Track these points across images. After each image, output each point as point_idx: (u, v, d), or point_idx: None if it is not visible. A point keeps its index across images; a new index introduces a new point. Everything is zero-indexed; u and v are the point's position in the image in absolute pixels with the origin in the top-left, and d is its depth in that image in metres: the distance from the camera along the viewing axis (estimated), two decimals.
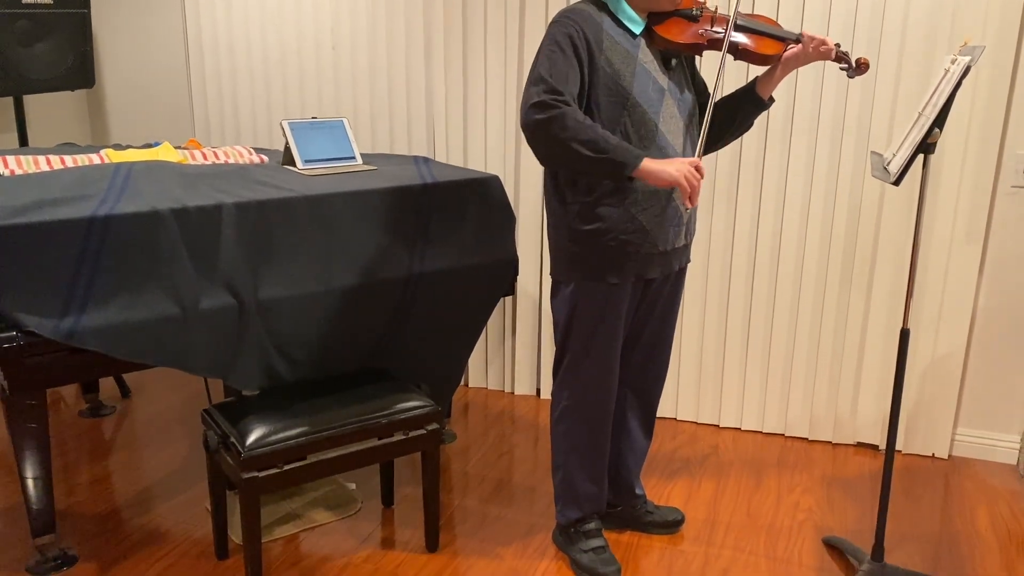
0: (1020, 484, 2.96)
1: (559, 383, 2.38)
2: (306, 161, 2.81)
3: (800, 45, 2.17)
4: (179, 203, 2.29)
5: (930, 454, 3.16)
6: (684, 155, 2.21)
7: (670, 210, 2.21)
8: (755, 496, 2.85)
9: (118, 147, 3.03)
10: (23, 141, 3.74)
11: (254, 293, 2.38)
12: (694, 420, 3.42)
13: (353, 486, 2.87)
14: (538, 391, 3.66)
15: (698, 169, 2.05)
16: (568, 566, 2.46)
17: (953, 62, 2.07)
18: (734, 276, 3.22)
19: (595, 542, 2.44)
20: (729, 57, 2.17)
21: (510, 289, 2.96)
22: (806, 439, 3.28)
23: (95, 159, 2.69)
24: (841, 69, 2.22)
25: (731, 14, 2.14)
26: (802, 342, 3.18)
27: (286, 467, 2.24)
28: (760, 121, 3.03)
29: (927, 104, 2.12)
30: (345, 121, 2.96)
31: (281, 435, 2.24)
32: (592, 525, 2.47)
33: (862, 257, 3.05)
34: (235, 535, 2.53)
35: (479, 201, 2.81)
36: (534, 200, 3.44)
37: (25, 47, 3.42)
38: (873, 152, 2.38)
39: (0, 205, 2.14)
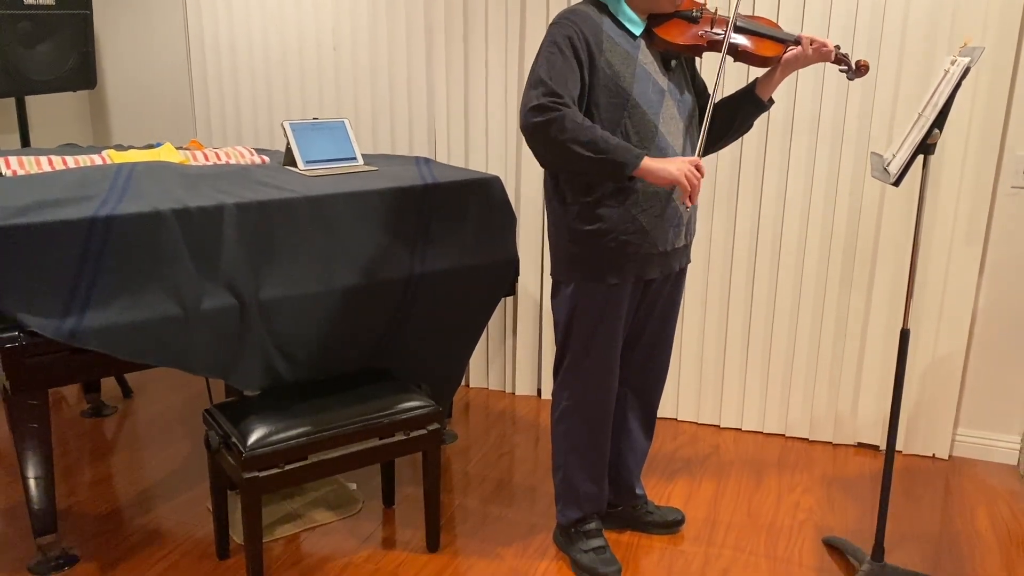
0: (1020, 484, 2.96)
1: (559, 383, 2.38)
2: (307, 162, 2.81)
3: (800, 47, 2.17)
4: (181, 204, 2.30)
5: (930, 454, 3.16)
6: (684, 156, 2.21)
7: (670, 211, 2.21)
8: (755, 496, 2.86)
9: (120, 148, 3.04)
10: (25, 142, 3.75)
11: (255, 293, 2.39)
12: (695, 420, 3.43)
13: (354, 486, 2.87)
14: (539, 391, 3.67)
15: (698, 168, 2.06)
16: (568, 566, 2.46)
17: (953, 63, 2.08)
18: (735, 277, 3.22)
19: (595, 542, 2.44)
20: (729, 58, 2.17)
21: (511, 289, 2.96)
22: (806, 439, 3.28)
23: (97, 160, 2.69)
24: (841, 71, 2.23)
25: (731, 16, 2.14)
26: (802, 343, 3.18)
27: (287, 467, 2.25)
28: (760, 122, 3.03)
29: (927, 105, 2.12)
30: (346, 122, 2.97)
31: (282, 435, 2.24)
32: (592, 525, 2.47)
33: (862, 257, 3.06)
34: (236, 535, 2.53)
35: (480, 201, 2.82)
36: (535, 200, 3.44)
37: (27, 48, 3.43)
38: (873, 153, 2.38)
39: (2, 205, 2.14)
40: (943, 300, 3.01)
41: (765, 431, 3.33)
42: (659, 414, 3.37)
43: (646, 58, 2.14)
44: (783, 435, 3.31)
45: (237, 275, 2.36)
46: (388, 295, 2.63)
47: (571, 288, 2.26)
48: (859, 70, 2.20)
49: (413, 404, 2.44)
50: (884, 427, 3.17)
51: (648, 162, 2.04)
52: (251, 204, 2.39)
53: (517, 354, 3.63)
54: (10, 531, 2.60)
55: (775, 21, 2.51)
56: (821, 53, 2.16)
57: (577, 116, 2.03)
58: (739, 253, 3.19)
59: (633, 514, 2.62)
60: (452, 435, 3.27)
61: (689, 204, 2.06)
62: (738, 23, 2.19)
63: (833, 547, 2.56)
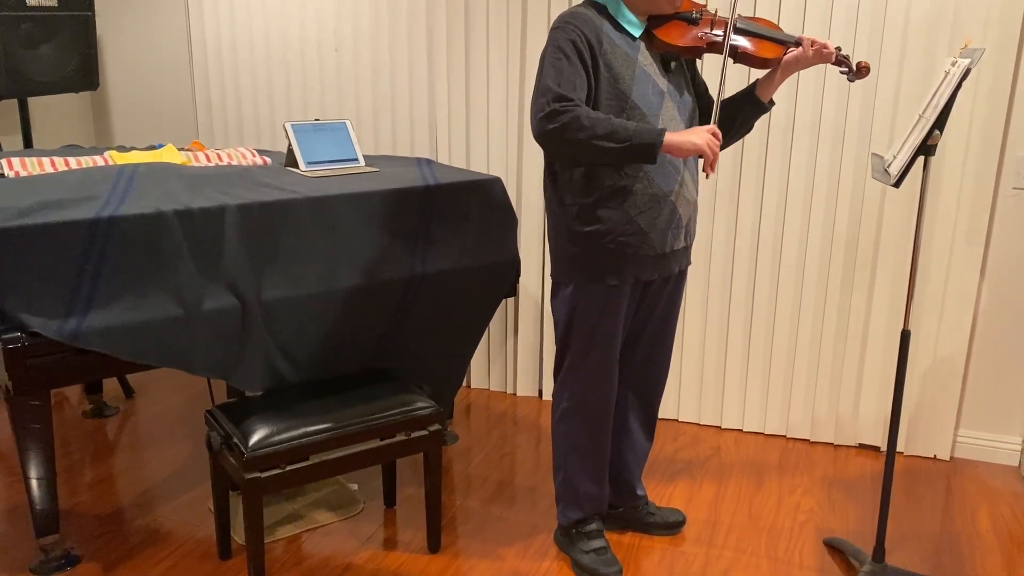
0: (1021, 486, 2.96)
1: (560, 384, 2.38)
2: (309, 163, 2.82)
3: (800, 48, 2.18)
4: (183, 205, 2.30)
5: (931, 455, 3.16)
6: (683, 159, 2.22)
7: (668, 213, 2.21)
8: (756, 497, 2.86)
9: (122, 149, 3.05)
10: (27, 143, 3.75)
11: (257, 294, 2.39)
12: (696, 421, 3.43)
13: (355, 487, 2.88)
14: (540, 392, 3.67)
15: (716, 136, 2.07)
16: (570, 567, 2.46)
17: (953, 64, 2.08)
18: (736, 278, 3.22)
19: (596, 543, 2.45)
20: (729, 60, 2.17)
21: (512, 290, 2.96)
22: (807, 440, 3.28)
23: (99, 161, 2.70)
24: (841, 73, 2.23)
25: (731, 17, 2.15)
26: (803, 344, 3.18)
27: (289, 468, 2.25)
28: (761, 123, 3.03)
29: (927, 106, 2.13)
30: (348, 123, 2.97)
31: (284, 436, 2.25)
32: (593, 526, 2.47)
33: (863, 259, 3.06)
34: (238, 535, 2.54)
35: (481, 203, 2.82)
36: (536, 201, 3.44)
37: (29, 49, 3.43)
38: (874, 154, 2.38)
39: (5, 206, 2.15)
40: (944, 301, 3.01)
41: (766, 432, 3.33)
42: (660, 415, 3.37)
43: (646, 60, 2.14)
44: (784, 436, 3.31)
45: (239, 276, 2.36)
46: (389, 296, 2.63)
47: (570, 289, 2.27)
48: (860, 72, 2.20)
49: (414, 405, 2.45)
50: (885, 428, 3.17)
51: (671, 136, 2.05)
52: (253, 205, 2.40)
53: (518, 355, 3.63)
54: (12, 532, 2.61)
55: (775, 22, 2.51)
56: (822, 55, 2.16)
57: (589, 112, 2.03)
58: (740, 254, 3.20)
59: (634, 515, 2.63)
60: (453, 436, 3.27)
61: (711, 172, 2.07)
62: (738, 24, 2.19)
63: (834, 548, 2.56)
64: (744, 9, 2.99)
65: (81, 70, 3.66)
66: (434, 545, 2.53)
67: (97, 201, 2.26)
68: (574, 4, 3.06)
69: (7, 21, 3.32)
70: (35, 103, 3.97)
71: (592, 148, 2.04)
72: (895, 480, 2.99)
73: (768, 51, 2.19)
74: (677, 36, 2.15)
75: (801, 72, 2.94)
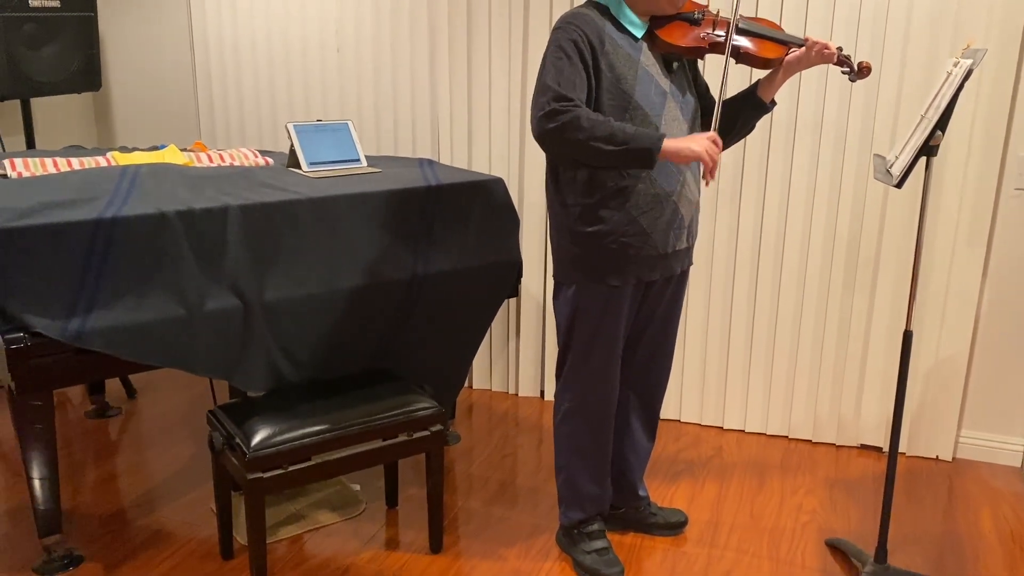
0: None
1: (562, 385, 2.38)
2: (311, 163, 2.82)
3: (802, 49, 2.18)
4: (185, 205, 2.31)
5: (934, 456, 3.16)
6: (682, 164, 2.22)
7: (671, 213, 2.21)
8: (758, 498, 2.86)
9: (124, 149, 3.05)
10: (30, 144, 3.76)
11: (259, 295, 2.39)
12: (698, 422, 3.43)
13: (357, 487, 2.88)
14: (542, 393, 3.67)
15: (716, 143, 2.06)
16: (571, 567, 2.46)
17: (956, 65, 2.08)
18: (737, 278, 3.22)
19: (598, 543, 2.45)
20: (731, 60, 2.17)
21: (514, 291, 2.97)
22: (809, 441, 3.28)
23: (102, 161, 2.70)
24: (843, 73, 2.23)
25: (733, 18, 2.15)
26: (805, 344, 3.18)
27: (291, 468, 2.25)
28: (763, 124, 3.03)
29: (929, 107, 2.13)
30: (350, 123, 2.97)
31: (286, 436, 2.25)
32: (595, 526, 2.47)
33: (865, 259, 3.06)
34: (240, 536, 2.54)
35: (483, 203, 2.82)
36: (538, 202, 3.44)
37: (32, 50, 3.44)
38: (876, 155, 2.38)
39: (8, 207, 2.15)
40: (946, 302, 3.01)
41: (768, 433, 3.33)
42: (662, 415, 3.38)
43: (648, 60, 2.15)
44: (786, 437, 3.31)
45: (241, 276, 2.36)
46: (391, 296, 2.64)
47: (572, 289, 2.27)
48: (861, 72, 2.20)
49: (416, 405, 2.45)
50: (887, 429, 3.17)
51: (670, 142, 2.05)
52: (255, 206, 2.40)
53: (520, 355, 3.63)
54: (15, 532, 2.61)
55: (777, 23, 2.51)
56: (823, 55, 2.16)
57: (589, 113, 2.03)
58: (742, 254, 3.19)
59: (636, 515, 2.63)
60: (455, 436, 3.28)
61: (710, 179, 2.07)
62: (740, 25, 2.19)
63: (836, 549, 2.56)
64: (746, 10, 2.99)
65: (84, 71, 3.66)
66: (436, 546, 2.53)
67: (100, 202, 2.27)
68: (576, 4, 3.07)
69: (10, 22, 3.33)
70: (38, 104, 3.97)
71: (590, 149, 2.04)
72: (897, 481, 2.99)
73: (770, 51, 2.19)
74: (679, 36, 2.15)
75: (803, 72, 2.95)
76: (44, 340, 2.15)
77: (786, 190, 3.09)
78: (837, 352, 3.16)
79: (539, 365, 3.64)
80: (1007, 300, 2.98)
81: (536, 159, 3.40)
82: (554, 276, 2.33)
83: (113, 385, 3.66)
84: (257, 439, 2.22)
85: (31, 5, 3.40)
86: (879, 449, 3.21)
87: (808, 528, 2.68)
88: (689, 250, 2.36)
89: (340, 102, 3.70)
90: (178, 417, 3.44)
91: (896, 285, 3.04)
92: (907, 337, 2.23)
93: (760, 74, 2.32)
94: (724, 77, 2.10)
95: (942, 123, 2.06)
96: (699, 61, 2.40)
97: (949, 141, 2.88)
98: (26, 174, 2.53)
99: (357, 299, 2.56)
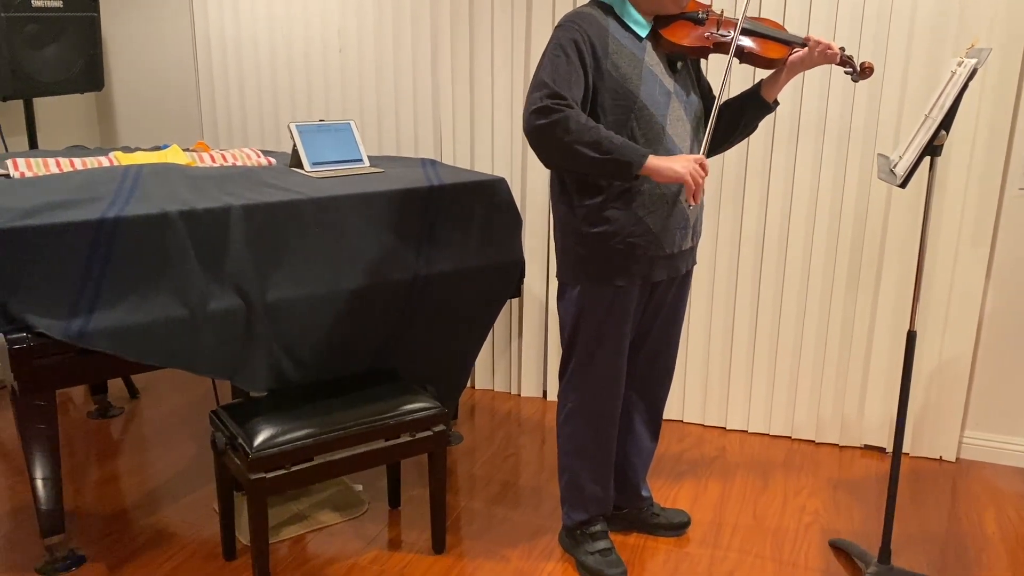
0: None
1: (565, 385, 2.38)
2: (313, 163, 2.82)
3: (805, 49, 2.17)
4: (187, 205, 2.31)
5: (937, 457, 3.15)
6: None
7: (676, 212, 2.21)
8: (761, 498, 2.85)
9: (127, 149, 3.05)
10: (32, 144, 3.76)
11: (262, 295, 2.39)
12: (700, 422, 3.42)
13: (360, 487, 2.88)
14: (544, 393, 3.66)
15: (702, 166, 2.06)
16: (574, 568, 2.46)
17: (960, 64, 2.07)
18: (741, 278, 3.22)
19: (601, 544, 2.44)
20: (734, 60, 2.17)
21: (517, 291, 2.96)
22: (813, 441, 3.27)
23: (104, 161, 2.70)
24: (846, 73, 2.22)
25: (737, 17, 2.14)
26: (809, 344, 3.18)
27: (293, 468, 2.25)
28: (766, 123, 3.03)
29: (933, 106, 2.12)
30: (352, 123, 2.97)
31: (288, 436, 2.25)
32: (598, 527, 2.47)
33: (869, 259, 3.05)
34: (242, 536, 2.54)
35: (485, 203, 2.82)
36: (541, 202, 3.44)
37: (35, 50, 3.44)
38: (880, 154, 2.38)
39: (10, 207, 2.15)
40: (950, 302, 3.00)
41: (771, 433, 3.32)
42: (665, 416, 3.37)
43: (652, 60, 2.14)
44: (789, 437, 3.30)
45: (243, 277, 2.36)
46: (394, 297, 2.63)
47: (577, 290, 2.26)
48: (864, 72, 2.20)
49: (419, 406, 2.45)
50: (891, 429, 3.16)
51: (653, 160, 2.04)
52: (257, 206, 2.40)
53: (523, 356, 3.63)
54: (18, 532, 2.61)
55: (780, 23, 2.50)
56: (826, 55, 2.16)
57: (581, 117, 2.03)
58: (745, 255, 3.19)
59: (639, 516, 2.62)
60: (458, 436, 3.27)
61: (693, 202, 2.07)
62: (744, 25, 2.18)
63: (839, 549, 2.55)
64: (749, 10, 2.98)
65: (86, 71, 3.66)
66: (439, 546, 2.53)
67: (102, 202, 2.27)
68: (579, 3, 3.06)
69: (13, 22, 3.33)
70: (40, 104, 3.97)
71: (574, 153, 2.04)
72: (901, 481, 2.98)
73: (773, 51, 2.19)
74: (683, 36, 2.14)
75: (806, 72, 2.94)
76: (47, 340, 2.15)
77: (789, 190, 3.09)
78: (840, 352, 3.15)
79: (541, 365, 3.64)
80: (1011, 300, 2.98)
81: (538, 159, 3.39)
82: (558, 277, 2.33)
83: (115, 385, 3.66)
84: (260, 439, 2.22)
85: (34, 5, 3.40)
86: (882, 450, 3.20)
87: (811, 529, 2.67)
88: (693, 250, 2.36)
89: (342, 102, 3.70)
90: (180, 417, 3.44)
91: (900, 285, 3.03)
92: (911, 337, 2.23)
93: (763, 74, 2.31)
94: (726, 77, 2.10)
95: (946, 123, 2.05)
96: (703, 61, 2.40)
97: (952, 141, 2.87)
98: (29, 174, 2.53)
99: (359, 299, 2.56)
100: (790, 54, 2.19)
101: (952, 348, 3.04)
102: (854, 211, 3.02)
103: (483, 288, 2.83)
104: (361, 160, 2.92)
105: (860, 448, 3.22)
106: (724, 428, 3.39)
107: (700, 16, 2.18)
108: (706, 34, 2.16)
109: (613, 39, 2.10)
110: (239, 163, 2.88)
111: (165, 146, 3.03)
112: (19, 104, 3.79)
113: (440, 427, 2.47)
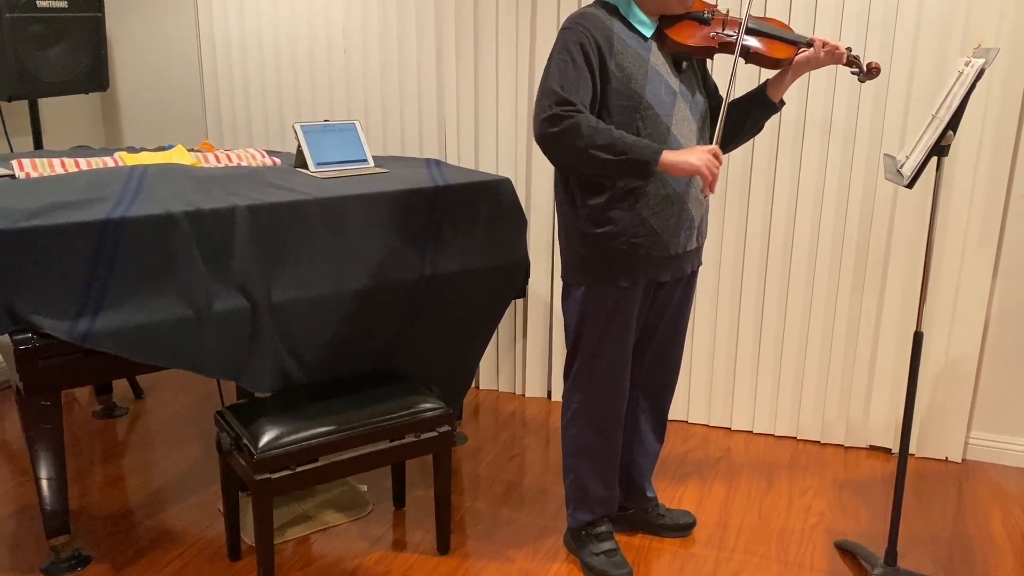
0: None
1: (570, 386, 2.38)
2: (318, 164, 2.82)
3: (811, 49, 2.17)
4: (192, 206, 2.31)
5: (943, 458, 3.14)
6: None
7: (681, 213, 2.20)
8: (767, 499, 2.84)
9: (132, 150, 3.05)
10: (38, 144, 3.76)
11: (267, 295, 2.39)
12: (706, 423, 3.42)
13: (365, 488, 2.88)
14: (549, 393, 3.66)
15: (716, 157, 2.05)
16: (579, 569, 2.46)
17: (967, 64, 2.07)
18: (746, 279, 3.21)
19: (606, 545, 2.44)
20: (740, 60, 2.16)
21: (521, 291, 2.96)
22: (818, 442, 3.26)
23: (109, 162, 2.70)
24: (852, 73, 2.22)
25: (743, 17, 2.14)
26: (814, 345, 3.17)
27: (298, 469, 2.25)
28: (772, 123, 3.02)
29: (940, 107, 2.11)
30: (357, 124, 2.97)
31: (293, 437, 2.25)
32: (603, 528, 2.47)
33: (875, 259, 3.04)
34: (247, 536, 2.54)
35: (490, 203, 2.82)
36: (545, 202, 3.44)
37: (40, 50, 3.44)
38: (886, 155, 2.37)
39: (15, 208, 2.15)
40: (956, 302, 2.99)
41: (776, 434, 3.31)
42: (670, 416, 3.35)
43: (657, 60, 2.14)
44: (794, 438, 3.30)
45: (248, 277, 2.36)
46: (398, 297, 2.63)
47: (582, 291, 2.26)
48: (870, 72, 2.19)
49: (424, 406, 2.45)
50: (897, 430, 3.15)
51: (668, 155, 2.04)
52: (262, 206, 2.40)
53: (527, 356, 3.63)
54: (23, 532, 2.61)
55: (786, 23, 2.50)
56: (833, 55, 2.15)
57: (591, 120, 2.03)
58: (750, 255, 3.18)
59: (644, 517, 2.62)
60: (462, 437, 3.27)
61: (709, 193, 2.06)
62: (750, 24, 2.18)
63: (845, 551, 2.54)
64: (755, 9, 2.97)
65: (91, 71, 3.67)
66: (443, 547, 2.53)
67: (107, 202, 2.27)
68: (584, 4, 3.06)
69: (17, 22, 3.33)
70: (45, 104, 3.98)
71: (589, 157, 2.04)
72: (907, 482, 2.97)
73: (779, 51, 2.18)
74: (689, 36, 2.14)
75: (812, 72, 2.93)
76: (52, 341, 2.15)
77: (795, 190, 3.08)
78: (846, 353, 3.14)
79: (546, 365, 3.64)
80: (1018, 301, 2.97)
81: (543, 159, 3.39)
82: (563, 277, 2.33)
83: (120, 386, 3.67)
84: (265, 440, 2.22)
85: (39, 6, 3.40)
86: (888, 450, 3.20)
87: (817, 530, 2.67)
88: (699, 250, 2.36)
89: (347, 102, 3.70)
90: (185, 418, 3.44)
91: (906, 285, 3.02)
92: (917, 338, 2.22)
93: (769, 73, 2.30)
94: (732, 77, 2.09)
95: (953, 123, 2.04)
96: (708, 61, 2.39)
97: (959, 141, 2.86)
98: (34, 175, 2.54)
99: (364, 300, 2.56)
100: (796, 54, 2.18)
101: (958, 348, 3.03)
102: (860, 211, 3.02)
103: (488, 288, 2.83)
104: (366, 160, 2.92)
105: (866, 449, 3.22)
106: (729, 429, 3.38)
107: (705, 16, 2.17)
108: (711, 34, 2.15)
109: (618, 39, 2.10)
110: (244, 163, 2.88)
111: (170, 146, 3.04)
112: (24, 105, 3.80)
113: (445, 427, 2.47)
